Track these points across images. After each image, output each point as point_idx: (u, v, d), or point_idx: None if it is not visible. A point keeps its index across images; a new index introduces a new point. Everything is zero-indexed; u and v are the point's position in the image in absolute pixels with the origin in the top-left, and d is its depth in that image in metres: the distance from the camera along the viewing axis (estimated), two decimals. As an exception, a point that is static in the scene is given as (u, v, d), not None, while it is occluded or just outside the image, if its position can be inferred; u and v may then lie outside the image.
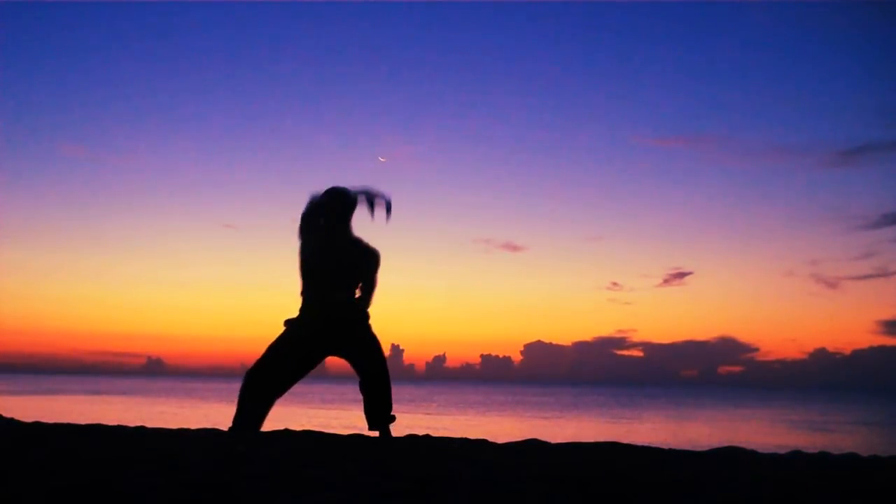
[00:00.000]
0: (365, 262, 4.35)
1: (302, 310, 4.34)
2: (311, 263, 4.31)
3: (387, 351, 4.50)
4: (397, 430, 4.49)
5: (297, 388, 4.58)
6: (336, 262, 4.29)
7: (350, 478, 2.50)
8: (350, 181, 4.42)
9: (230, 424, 4.26)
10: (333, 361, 4.47)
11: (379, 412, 4.35)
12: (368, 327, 4.40)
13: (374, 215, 4.34)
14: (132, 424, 4.70)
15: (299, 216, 4.37)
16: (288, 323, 4.37)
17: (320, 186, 4.42)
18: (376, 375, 4.36)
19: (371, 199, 4.34)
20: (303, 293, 4.34)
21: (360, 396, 4.40)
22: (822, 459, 3.87)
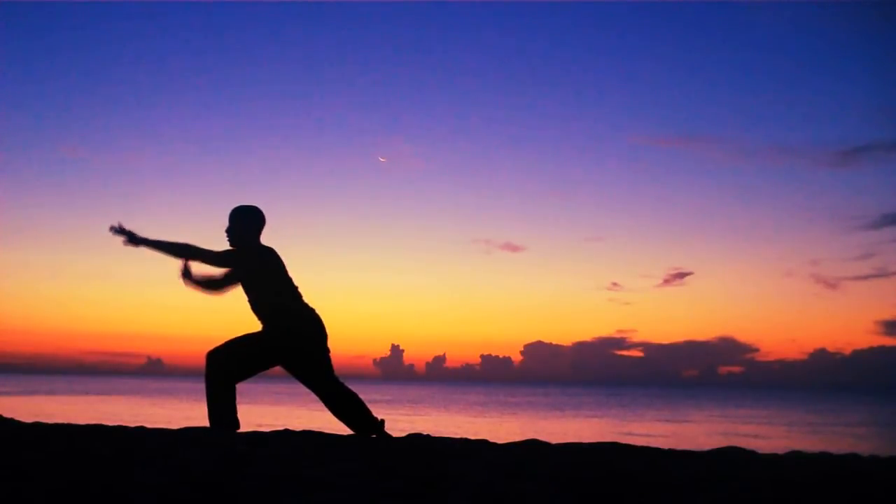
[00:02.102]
0: (261, 267, 4.40)
1: (270, 322, 4.43)
2: (251, 283, 4.40)
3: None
4: (398, 430, 4.49)
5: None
6: (260, 276, 4.38)
7: (350, 478, 2.50)
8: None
9: (210, 422, 4.31)
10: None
11: (362, 423, 4.38)
12: (322, 346, 4.43)
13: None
14: (132, 424, 4.70)
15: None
16: (264, 329, 4.45)
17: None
18: (332, 388, 4.41)
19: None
20: (260, 307, 4.44)
21: (352, 404, 4.41)
22: (822, 459, 3.87)
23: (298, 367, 4.42)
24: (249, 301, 4.43)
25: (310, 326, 4.38)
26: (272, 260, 4.38)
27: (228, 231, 4.43)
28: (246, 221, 4.42)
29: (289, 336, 4.34)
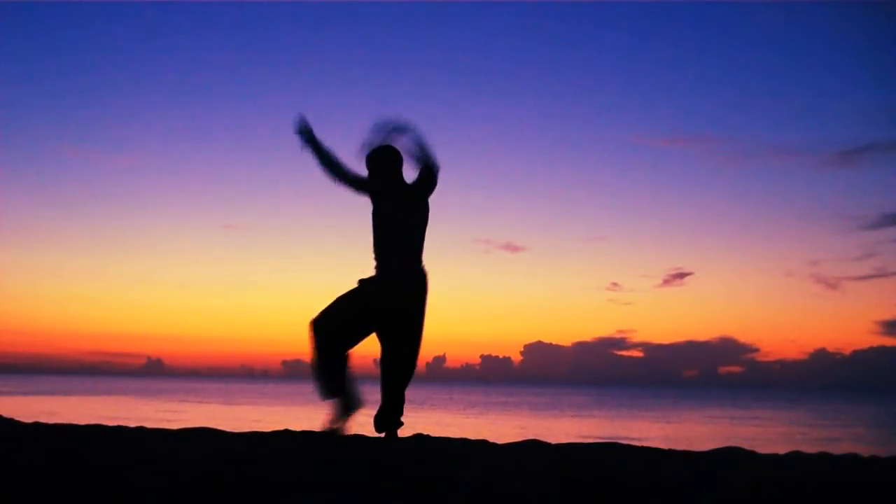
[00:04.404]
0: (416, 197, 4.24)
1: (377, 273, 4.28)
2: (377, 228, 4.28)
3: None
4: (399, 429, 4.49)
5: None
6: (397, 221, 4.24)
7: (350, 478, 2.50)
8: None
9: (322, 395, 4.15)
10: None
11: (391, 415, 4.30)
12: (424, 305, 4.29)
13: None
14: (132, 424, 4.70)
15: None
16: (362, 283, 4.29)
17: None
18: (404, 364, 4.26)
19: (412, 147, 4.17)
20: (376, 257, 4.29)
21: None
22: (822, 459, 3.87)
23: (392, 325, 4.22)
24: (375, 237, 4.30)
25: (411, 282, 4.22)
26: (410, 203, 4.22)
27: (377, 175, 4.28)
28: (392, 163, 4.26)
29: (387, 290, 4.19)
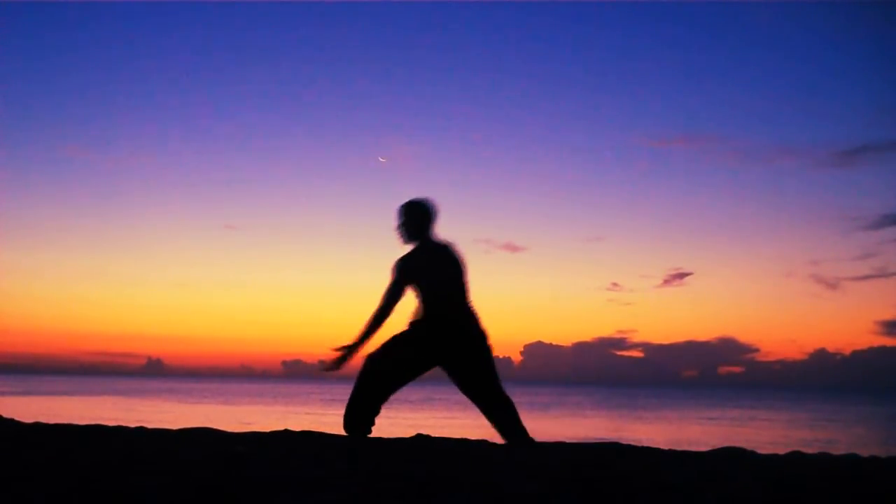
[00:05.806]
0: (462, 264, 4.32)
1: (426, 318, 4.29)
2: (423, 278, 4.25)
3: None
4: (397, 430, 4.49)
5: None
6: (441, 271, 4.26)
7: (350, 478, 2.50)
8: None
9: (344, 422, 4.21)
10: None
11: (518, 435, 4.27)
12: (487, 344, 4.31)
13: None
14: (132, 424, 4.70)
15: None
16: (412, 325, 4.31)
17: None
18: (492, 399, 4.31)
19: None
20: (424, 304, 4.29)
21: (511, 415, 4.33)
22: (822, 459, 3.87)
23: (456, 371, 4.27)
24: (419, 293, 4.27)
25: (460, 322, 4.23)
26: (434, 261, 4.25)
27: (401, 227, 4.32)
28: (417, 216, 4.29)
29: (438, 332, 4.20)
